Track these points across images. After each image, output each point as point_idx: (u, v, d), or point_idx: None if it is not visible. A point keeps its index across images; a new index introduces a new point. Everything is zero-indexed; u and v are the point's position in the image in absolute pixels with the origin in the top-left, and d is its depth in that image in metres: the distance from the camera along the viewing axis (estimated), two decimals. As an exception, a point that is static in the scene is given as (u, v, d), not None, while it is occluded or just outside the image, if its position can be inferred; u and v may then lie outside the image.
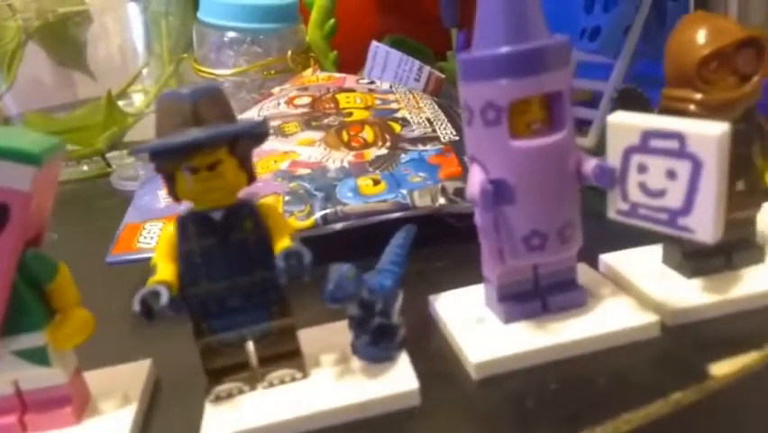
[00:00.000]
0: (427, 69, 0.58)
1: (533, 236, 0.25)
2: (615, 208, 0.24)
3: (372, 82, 0.52)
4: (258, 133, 0.23)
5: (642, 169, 0.23)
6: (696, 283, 0.28)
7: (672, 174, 0.22)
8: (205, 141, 0.21)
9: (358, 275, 0.23)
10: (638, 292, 0.28)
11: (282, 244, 0.22)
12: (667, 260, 0.29)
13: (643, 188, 0.23)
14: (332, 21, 0.67)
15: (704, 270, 0.28)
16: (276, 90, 0.54)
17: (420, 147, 0.41)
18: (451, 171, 0.38)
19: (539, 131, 0.24)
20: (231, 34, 0.61)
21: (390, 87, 0.51)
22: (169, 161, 0.22)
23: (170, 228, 0.23)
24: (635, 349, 0.25)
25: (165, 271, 0.22)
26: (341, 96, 0.48)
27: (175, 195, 0.23)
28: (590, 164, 0.24)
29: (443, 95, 0.59)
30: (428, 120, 0.45)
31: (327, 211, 0.36)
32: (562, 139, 0.24)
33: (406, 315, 0.30)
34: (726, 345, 0.25)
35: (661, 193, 0.22)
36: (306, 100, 0.48)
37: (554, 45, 0.23)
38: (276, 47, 0.62)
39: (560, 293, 0.27)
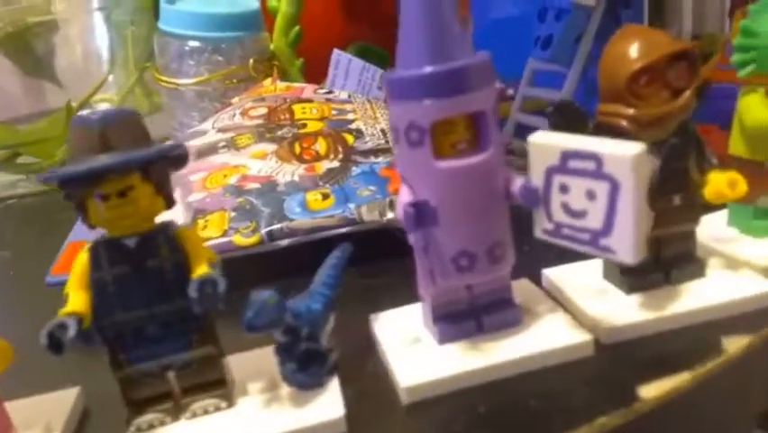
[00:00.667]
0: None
1: (461, 257, 0.24)
2: (540, 228, 0.24)
3: (331, 92, 0.51)
4: (173, 156, 0.22)
5: (563, 189, 0.22)
6: (634, 299, 0.28)
7: (591, 195, 0.21)
8: (112, 167, 0.20)
9: (280, 301, 0.22)
10: (576, 309, 0.28)
11: (198, 271, 0.22)
12: (607, 275, 0.29)
13: (565, 208, 0.22)
14: (297, 28, 0.66)
15: (642, 285, 0.28)
16: (236, 100, 0.53)
17: (372, 159, 0.40)
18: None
19: (465, 151, 0.24)
20: (192, 43, 0.60)
21: (349, 96, 0.51)
22: (77, 188, 0.21)
23: (83, 256, 0.22)
24: (568, 369, 0.25)
25: (77, 301, 0.22)
26: (297, 107, 0.47)
27: (88, 222, 0.22)
28: (517, 183, 0.24)
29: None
30: (382, 131, 0.44)
31: (273, 227, 0.35)
32: (487, 159, 0.24)
33: (346, 335, 0.30)
34: (660, 365, 0.24)
35: (582, 213, 0.22)
36: (262, 111, 0.48)
37: (476, 64, 0.23)
38: (238, 55, 0.61)
39: (495, 312, 0.26)
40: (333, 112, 0.47)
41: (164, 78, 0.62)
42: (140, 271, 0.22)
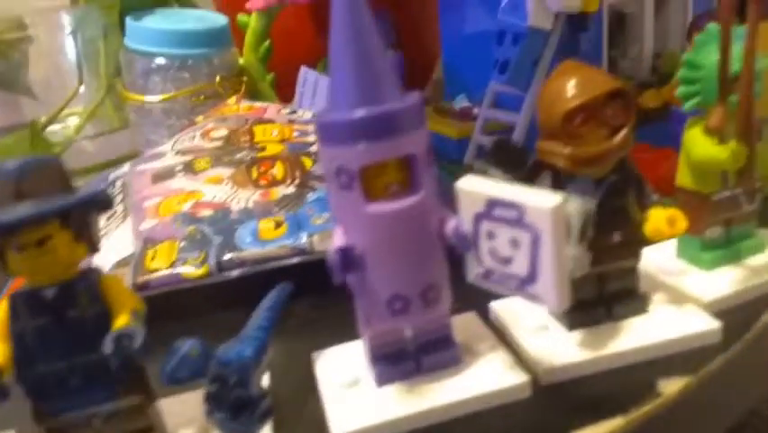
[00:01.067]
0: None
1: (395, 300, 0.24)
2: (473, 272, 0.24)
3: (294, 112, 0.51)
4: (96, 202, 0.22)
5: (491, 235, 0.22)
6: (575, 337, 0.27)
7: (515, 243, 0.21)
8: (26, 219, 0.20)
9: (203, 351, 0.22)
10: (517, 347, 0.28)
11: (118, 322, 0.21)
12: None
13: (493, 254, 0.22)
14: (267, 43, 0.66)
15: (584, 321, 0.28)
16: (200, 119, 0.53)
17: (328, 185, 0.40)
18: (353, 212, 0.37)
19: (397, 193, 0.23)
20: (158, 60, 0.59)
21: (314, 115, 0.50)
22: (-7, 239, 0.21)
23: (2, 307, 0.22)
24: (504, 412, 0.25)
25: (-5, 354, 0.21)
26: (258, 129, 0.47)
27: (7, 272, 0.22)
28: (450, 226, 0.24)
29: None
30: (341, 154, 0.44)
31: (223, 258, 0.35)
32: (418, 201, 0.23)
33: (290, 373, 0.29)
34: (595, 408, 0.24)
35: (509, 260, 0.22)
36: (223, 133, 0.47)
37: (404, 108, 0.23)
38: (205, 72, 0.60)
39: (433, 352, 0.26)
40: (295, 133, 0.47)
41: (130, 95, 0.62)
42: (60, 322, 0.22)
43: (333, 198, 0.24)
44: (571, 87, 0.25)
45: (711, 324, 0.27)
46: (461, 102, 0.58)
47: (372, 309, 0.24)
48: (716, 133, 0.26)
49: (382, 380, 0.26)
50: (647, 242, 0.27)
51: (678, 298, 0.29)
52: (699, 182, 0.30)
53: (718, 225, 0.31)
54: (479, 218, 0.22)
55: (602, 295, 0.28)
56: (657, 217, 0.26)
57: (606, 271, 0.28)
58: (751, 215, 0.31)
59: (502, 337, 0.28)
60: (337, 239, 0.24)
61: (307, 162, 0.42)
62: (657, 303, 0.29)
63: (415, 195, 0.23)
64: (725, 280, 0.30)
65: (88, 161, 0.65)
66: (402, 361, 0.26)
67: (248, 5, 0.64)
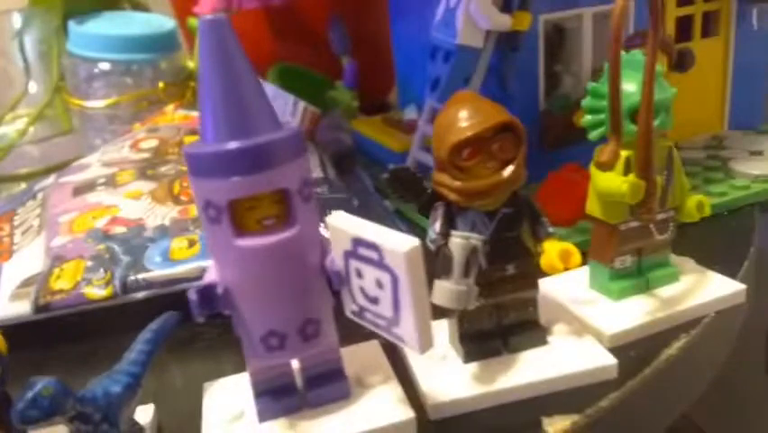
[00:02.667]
0: (302, 104, 0.56)
1: (270, 336, 0.23)
2: (348, 308, 0.23)
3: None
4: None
5: (359, 274, 0.21)
6: (469, 369, 0.27)
7: (379, 283, 0.20)
8: None
9: (59, 390, 0.21)
10: (410, 380, 0.27)
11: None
12: (451, 339, 0.28)
13: (363, 292, 0.22)
14: (218, 47, 0.65)
15: (479, 353, 0.27)
16: (137, 126, 0.52)
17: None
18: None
19: (272, 227, 0.23)
20: (101, 66, 0.58)
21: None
22: None
23: None
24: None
25: None
26: (189, 139, 0.46)
27: None
28: (327, 261, 0.23)
29: (329, 127, 0.58)
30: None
31: (129, 279, 0.34)
32: (293, 235, 0.22)
33: (179, 403, 0.29)
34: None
35: (375, 300, 0.21)
36: (153, 144, 0.46)
37: (275, 140, 0.22)
38: (150, 77, 0.59)
39: (320, 387, 0.25)
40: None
41: (73, 100, 0.60)
42: None
43: (206, 231, 0.23)
44: (458, 120, 0.24)
45: (607, 359, 0.26)
46: (410, 113, 0.58)
47: (249, 345, 0.24)
48: (606, 169, 0.25)
49: (264, 416, 0.25)
50: (543, 273, 0.27)
51: (580, 330, 0.29)
52: (605, 212, 0.29)
53: (629, 255, 0.31)
54: (347, 256, 0.21)
55: (499, 326, 0.27)
56: (550, 252, 0.26)
57: (502, 302, 0.27)
58: (663, 244, 0.31)
59: (403, 366, 0.28)
60: (207, 274, 0.23)
61: (232, 178, 0.41)
62: (558, 335, 0.28)
63: (290, 229, 0.22)
64: (630, 312, 0.29)
65: (31, 166, 0.64)
66: (287, 395, 0.25)
67: (195, 9, 0.63)
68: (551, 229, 0.27)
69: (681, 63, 0.47)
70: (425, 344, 0.20)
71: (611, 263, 0.30)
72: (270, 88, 0.56)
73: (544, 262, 0.26)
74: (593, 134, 0.29)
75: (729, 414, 0.68)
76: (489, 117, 0.24)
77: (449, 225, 0.25)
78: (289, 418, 0.25)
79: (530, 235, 0.26)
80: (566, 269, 0.26)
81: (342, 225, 0.21)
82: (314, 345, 0.24)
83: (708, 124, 0.52)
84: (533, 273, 0.27)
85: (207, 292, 0.22)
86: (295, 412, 0.25)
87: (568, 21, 0.45)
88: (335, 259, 0.23)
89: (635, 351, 0.28)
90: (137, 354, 0.25)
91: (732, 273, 0.32)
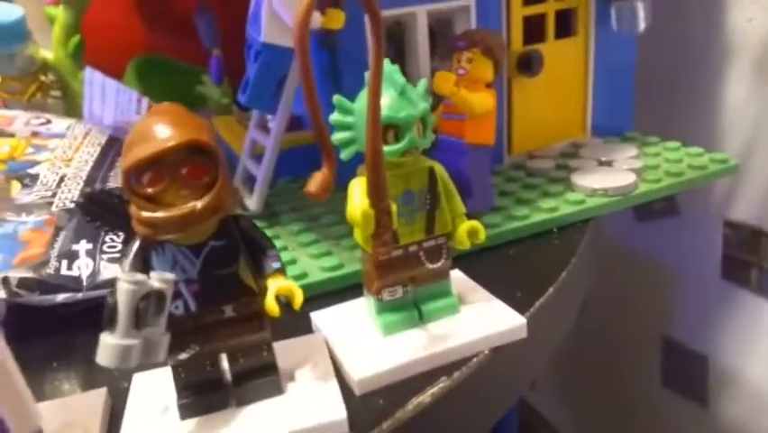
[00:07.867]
0: (146, 101, 0.52)
1: None
2: None
3: (49, 121, 0.45)
4: None
5: None
6: (185, 428, 0.23)
7: None
8: None
9: None
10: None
11: None
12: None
13: None
14: (76, 37, 0.60)
15: (199, 408, 0.24)
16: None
17: (24, 217, 0.35)
18: (31, 254, 0.32)
19: None
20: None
21: (68, 127, 0.45)
22: None
23: None
24: None
25: None
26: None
27: None
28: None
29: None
30: (62, 178, 0.39)
31: None
32: None
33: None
34: None
35: None
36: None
37: None
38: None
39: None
40: (29, 150, 0.41)
41: None
42: None
43: None
44: (141, 138, 0.21)
45: (336, 413, 0.23)
46: (256, 114, 0.53)
47: None
48: (316, 198, 0.22)
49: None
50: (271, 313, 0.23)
51: (327, 374, 0.25)
52: (363, 240, 0.26)
53: (399, 286, 0.27)
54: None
55: (223, 376, 0.24)
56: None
57: (225, 348, 0.24)
58: (438, 273, 0.28)
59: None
60: None
61: (15, 187, 0.37)
62: (302, 381, 0.25)
63: None
64: (391, 352, 0.26)
65: None
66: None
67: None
68: (277, 264, 0.23)
69: (527, 66, 0.44)
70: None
71: (378, 295, 0.27)
72: (113, 84, 0.52)
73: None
74: (345, 153, 0.25)
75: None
76: (172, 137, 0.20)
77: (143, 263, 0.22)
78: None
79: (249, 271, 0.23)
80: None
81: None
82: None
83: (570, 130, 0.49)
84: (258, 314, 0.23)
85: None
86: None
87: (404, 17, 0.41)
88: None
89: (383, 399, 0.25)
90: None
91: (537, 296, 0.30)
